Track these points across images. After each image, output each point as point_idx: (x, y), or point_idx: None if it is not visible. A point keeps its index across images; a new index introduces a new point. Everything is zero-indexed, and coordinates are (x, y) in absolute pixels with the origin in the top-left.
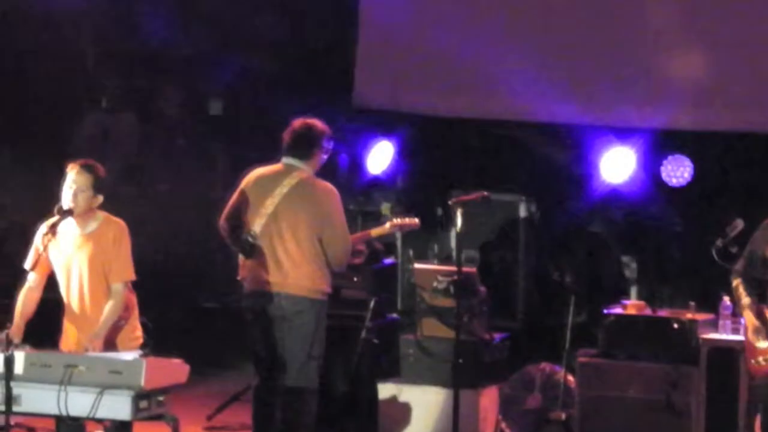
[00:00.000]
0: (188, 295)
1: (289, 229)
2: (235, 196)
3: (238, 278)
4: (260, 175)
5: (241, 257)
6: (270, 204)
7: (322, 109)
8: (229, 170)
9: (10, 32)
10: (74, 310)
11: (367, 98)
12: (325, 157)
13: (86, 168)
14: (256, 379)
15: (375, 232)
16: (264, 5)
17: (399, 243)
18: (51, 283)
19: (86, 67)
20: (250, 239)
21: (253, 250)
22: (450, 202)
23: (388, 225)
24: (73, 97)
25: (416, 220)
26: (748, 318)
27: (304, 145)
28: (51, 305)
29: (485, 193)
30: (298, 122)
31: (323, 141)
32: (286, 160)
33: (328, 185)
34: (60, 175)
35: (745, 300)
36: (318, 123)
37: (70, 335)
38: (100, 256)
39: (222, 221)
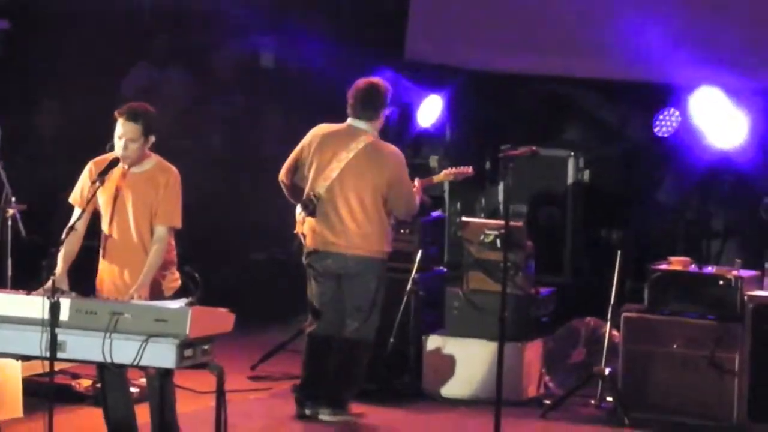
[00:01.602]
0: (238, 249)
1: (354, 192)
2: (297, 151)
3: (296, 232)
4: (326, 134)
5: (298, 211)
6: (336, 167)
7: (371, 62)
8: (279, 126)
9: None
10: (116, 246)
11: (419, 51)
12: (388, 113)
13: (133, 116)
14: (313, 328)
15: (435, 178)
16: None
17: (446, 196)
18: (93, 230)
19: (141, 23)
20: (314, 200)
21: (317, 210)
22: (499, 156)
23: (442, 173)
24: (126, 52)
25: (470, 169)
26: None
27: (369, 106)
28: (93, 253)
29: (534, 148)
30: (362, 82)
31: (387, 99)
32: (351, 121)
33: (394, 148)
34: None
35: None
36: (381, 82)
37: (106, 276)
38: (149, 196)
39: (283, 175)
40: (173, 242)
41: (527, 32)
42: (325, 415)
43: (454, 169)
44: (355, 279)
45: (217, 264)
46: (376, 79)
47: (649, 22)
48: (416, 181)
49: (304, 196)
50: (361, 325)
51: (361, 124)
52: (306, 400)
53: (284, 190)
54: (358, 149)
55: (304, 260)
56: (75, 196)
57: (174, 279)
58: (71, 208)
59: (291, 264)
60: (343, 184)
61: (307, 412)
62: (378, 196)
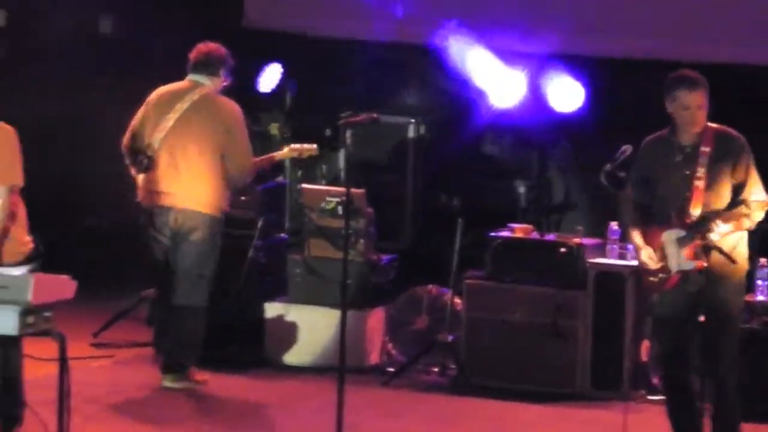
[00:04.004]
0: (76, 215)
1: (189, 142)
2: (137, 115)
3: (137, 200)
4: (163, 92)
5: (140, 178)
6: (171, 118)
7: (210, 29)
8: (114, 92)
9: None
10: None
11: (257, 19)
12: (226, 82)
13: None
14: (151, 292)
15: (277, 155)
16: None
17: (288, 163)
18: None
19: None
20: (148, 152)
21: (150, 164)
22: (339, 123)
23: (287, 149)
24: None
25: (315, 146)
26: (638, 242)
27: (208, 63)
28: None
29: (375, 115)
30: (205, 44)
31: (227, 61)
32: (191, 76)
33: (232, 102)
34: None
35: (633, 224)
36: (223, 48)
37: None
38: None
39: (125, 141)
40: (21, 204)
41: None
42: (167, 381)
43: (298, 145)
44: (188, 236)
45: (54, 230)
46: (217, 44)
47: None
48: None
49: (140, 153)
50: (190, 290)
51: (200, 78)
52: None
53: (125, 156)
54: (194, 99)
55: (141, 222)
56: None
57: (24, 242)
58: None
59: (131, 231)
60: (178, 134)
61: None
62: (214, 149)
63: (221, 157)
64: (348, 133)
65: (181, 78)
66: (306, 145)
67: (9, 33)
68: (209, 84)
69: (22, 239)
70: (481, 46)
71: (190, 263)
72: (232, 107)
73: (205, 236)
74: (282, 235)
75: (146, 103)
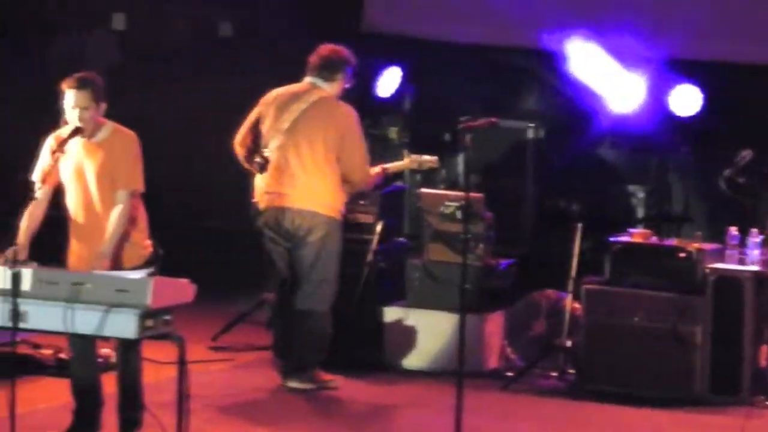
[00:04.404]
0: (195, 217)
1: (306, 144)
2: (251, 115)
3: (253, 200)
4: (280, 93)
5: (257, 179)
6: (287, 119)
7: (330, 33)
8: (234, 94)
9: None
10: (81, 221)
11: (376, 22)
12: (347, 86)
13: (82, 83)
14: (272, 295)
15: (393, 167)
16: None
17: None
18: (56, 201)
19: None
20: (265, 153)
21: (267, 166)
22: (459, 127)
23: (407, 160)
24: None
25: (435, 159)
26: None
27: (329, 68)
28: (55, 223)
29: (494, 119)
30: (324, 47)
31: (348, 68)
32: (309, 78)
33: (348, 107)
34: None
35: None
36: (346, 51)
37: (75, 250)
38: (109, 164)
39: (237, 142)
40: (142, 208)
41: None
42: (292, 383)
43: (418, 156)
44: (306, 238)
45: (174, 233)
46: (340, 47)
47: None
48: (378, 168)
49: (257, 154)
50: (312, 292)
51: (318, 82)
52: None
53: (239, 156)
54: (310, 101)
55: (258, 224)
56: (37, 174)
57: (144, 246)
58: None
59: (250, 234)
60: (295, 135)
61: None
62: (330, 152)
63: (336, 161)
64: (467, 137)
65: (299, 80)
66: (426, 157)
67: (128, 36)
68: (327, 87)
69: (142, 243)
70: (600, 50)
71: (309, 266)
72: (348, 112)
73: (324, 237)
74: (401, 239)
75: (262, 103)
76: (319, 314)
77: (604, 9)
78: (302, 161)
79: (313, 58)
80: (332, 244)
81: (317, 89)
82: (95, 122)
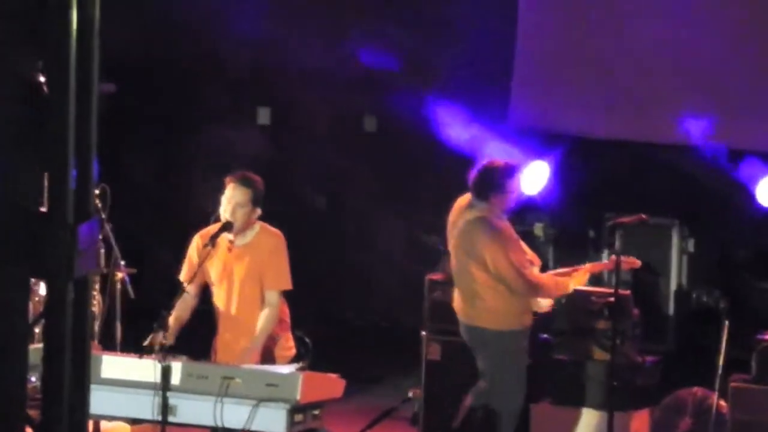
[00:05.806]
0: (339, 312)
1: (468, 263)
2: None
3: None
4: (455, 206)
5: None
6: (452, 237)
7: (477, 128)
8: (383, 188)
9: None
10: (230, 319)
11: (521, 118)
12: (513, 195)
13: (245, 182)
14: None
15: (594, 268)
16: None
17: (551, 264)
18: (205, 295)
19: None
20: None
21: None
22: (609, 224)
23: (608, 261)
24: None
25: (638, 262)
26: None
27: (480, 187)
28: (204, 317)
29: (644, 216)
30: (482, 163)
31: (503, 181)
32: (471, 193)
33: (499, 224)
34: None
35: None
36: (500, 164)
37: (223, 344)
38: (257, 266)
39: None
40: (286, 307)
41: (631, 94)
42: None
43: (623, 258)
44: (477, 352)
45: (321, 327)
46: (495, 161)
47: None
48: (587, 264)
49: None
50: (499, 395)
51: (475, 201)
52: None
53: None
54: (466, 220)
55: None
56: (183, 274)
57: (288, 347)
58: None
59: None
60: (458, 255)
61: None
62: (485, 270)
63: (494, 277)
64: (617, 234)
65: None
66: (630, 259)
67: (273, 131)
68: (483, 206)
69: (286, 344)
70: (742, 142)
71: (491, 371)
72: (494, 231)
73: (502, 349)
74: (545, 335)
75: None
76: (507, 414)
77: (743, 99)
78: (467, 281)
79: (470, 175)
80: (509, 353)
81: (476, 207)
82: (246, 222)
